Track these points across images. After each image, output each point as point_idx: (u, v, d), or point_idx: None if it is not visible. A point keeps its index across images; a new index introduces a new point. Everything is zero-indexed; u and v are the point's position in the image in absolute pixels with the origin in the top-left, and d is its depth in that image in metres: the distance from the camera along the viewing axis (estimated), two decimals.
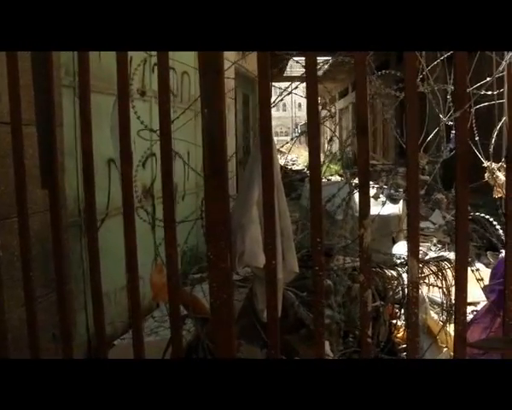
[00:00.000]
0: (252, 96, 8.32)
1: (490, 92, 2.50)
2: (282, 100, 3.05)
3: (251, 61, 3.46)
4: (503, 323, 1.93)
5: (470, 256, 6.28)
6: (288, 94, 2.70)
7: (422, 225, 7.65)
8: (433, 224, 6.41)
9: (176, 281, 2.07)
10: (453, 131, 2.83)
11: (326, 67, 15.87)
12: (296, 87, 2.95)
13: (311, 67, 1.87)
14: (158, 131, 2.04)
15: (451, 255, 6.19)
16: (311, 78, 1.86)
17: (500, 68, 1.83)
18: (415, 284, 1.87)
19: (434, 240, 6.25)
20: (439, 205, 3.57)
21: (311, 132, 1.86)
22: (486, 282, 2.43)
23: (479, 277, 2.58)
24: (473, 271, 2.59)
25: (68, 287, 3.26)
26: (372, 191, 3.32)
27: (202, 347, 2.71)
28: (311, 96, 1.87)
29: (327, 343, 2.64)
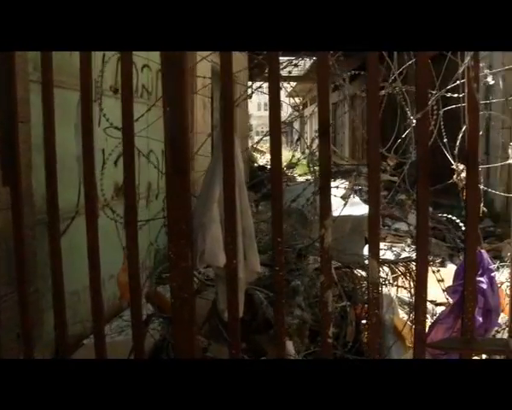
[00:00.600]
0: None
1: (456, 95, 2.52)
2: (248, 98, 3.03)
3: None
4: (462, 324, 1.95)
5: (443, 257, 6.34)
6: (252, 93, 2.69)
7: (397, 225, 7.71)
8: (409, 225, 6.45)
9: (137, 280, 2.05)
10: None
11: (307, 67, 15.93)
12: (259, 86, 2.95)
13: (273, 67, 1.86)
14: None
15: None
16: (273, 78, 1.86)
17: (459, 71, 1.84)
18: (375, 285, 1.88)
19: (408, 240, 6.28)
20: (401, 206, 3.60)
21: (274, 135, 1.85)
22: (450, 283, 2.44)
23: (439, 278, 2.59)
24: (434, 271, 2.61)
25: (34, 286, 3.22)
26: (343, 192, 3.34)
27: (167, 347, 2.69)
28: (274, 97, 1.86)
29: (290, 343, 2.64)
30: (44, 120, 2.07)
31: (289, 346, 2.60)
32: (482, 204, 3.54)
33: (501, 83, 5.84)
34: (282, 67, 3.22)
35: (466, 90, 1.80)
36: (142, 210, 4.88)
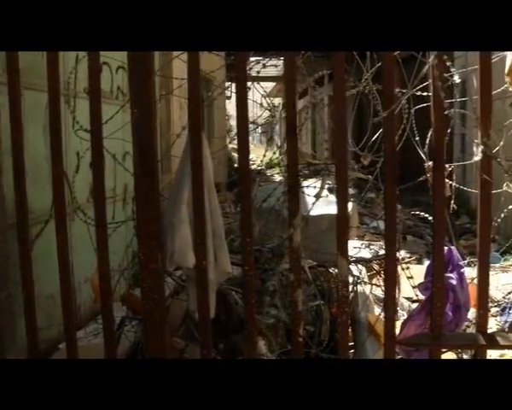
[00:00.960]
0: (205, 95, 8.30)
1: (426, 94, 2.53)
2: (227, 99, 3.04)
3: (204, 61, 3.44)
4: (431, 320, 1.96)
5: (420, 254, 6.39)
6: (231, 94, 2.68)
7: (376, 223, 7.74)
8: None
9: (108, 281, 2.04)
10: None
11: (278, 69, 15.95)
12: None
13: (240, 66, 1.86)
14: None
15: (401, 253, 6.30)
16: (240, 78, 1.85)
17: (424, 70, 1.85)
18: (344, 283, 1.88)
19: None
20: (371, 204, 3.62)
21: (241, 135, 1.85)
22: (420, 280, 2.46)
23: (409, 275, 2.61)
24: (403, 269, 2.62)
25: (8, 291, 3.19)
26: (316, 191, 3.34)
27: (141, 349, 2.68)
28: (241, 97, 1.86)
29: (262, 343, 2.64)
30: (11, 122, 2.05)
31: (261, 345, 2.60)
32: (454, 201, 3.58)
33: (475, 82, 5.88)
34: (254, 66, 3.24)
35: (432, 89, 1.82)
36: (119, 212, 4.85)
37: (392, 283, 1.90)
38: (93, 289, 4.02)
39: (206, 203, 1.93)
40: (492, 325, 3.90)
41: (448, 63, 2.21)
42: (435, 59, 1.74)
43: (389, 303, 1.92)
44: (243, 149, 1.83)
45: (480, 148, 1.85)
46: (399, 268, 2.66)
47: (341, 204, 1.83)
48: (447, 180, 3.40)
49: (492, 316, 3.84)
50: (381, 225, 6.76)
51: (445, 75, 2.30)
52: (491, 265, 5.75)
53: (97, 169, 1.99)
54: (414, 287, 2.54)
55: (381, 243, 6.51)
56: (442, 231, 1.91)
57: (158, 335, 1.97)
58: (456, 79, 2.18)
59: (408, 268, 2.58)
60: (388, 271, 1.90)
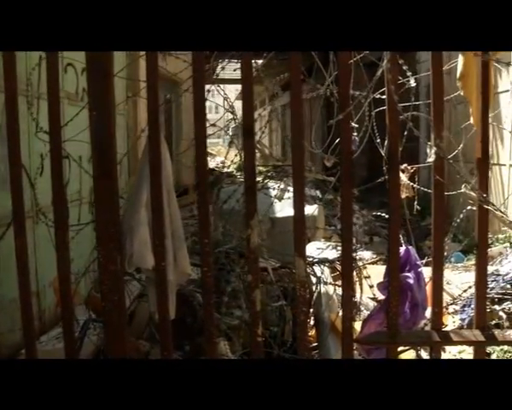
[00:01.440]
0: (175, 98, 8.26)
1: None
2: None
3: (171, 63, 3.43)
4: (387, 318, 2.00)
5: (387, 254, 6.47)
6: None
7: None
8: (354, 224, 6.53)
9: (68, 284, 2.02)
10: (354, 134, 2.91)
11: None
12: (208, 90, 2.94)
13: (197, 66, 1.87)
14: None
15: (368, 255, 6.38)
16: (197, 79, 1.86)
17: (378, 73, 1.89)
18: (302, 283, 1.90)
19: (353, 240, 6.39)
20: (331, 205, 3.68)
21: (198, 137, 1.86)
22: (375, 280, 2.51)
23: (366, 274, 2.66)
24: (360, 268, 2.67)
25: None
26: (282, 192, 3.36)
27: (103, 350, 2.66)
28: (199, 99, 1.87)
29: (223, 344, 2.65)
30: None
31: (222, 346, 2.61)
32: (419, 202, 3.64)
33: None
34: (222, 67, 3.25)
35: (386, 92, 1.86)
36: (85, 215, 4.80)
37: (348, 282, 1.94)
38: (55, 292, 3.98)
39: (166, 205, 1.94)
40: (456, 323, 3.98)
41: (405, 67, 2.26)
42: (388, 63, 1.77)
43: (346, 303, 1.94)
44: (200, 152, 1.84)
45: (434, 149, 1.89)
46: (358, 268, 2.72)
47: (298, 206, 1.86)
48: (408, 181, 3.47)
49: (452, 314, 3.92)
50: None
51: (404, 80, 2.35)
52: (455, 264, 5.87)
53: (56, 171, 1.98)
54: (371, 286, 2.58)
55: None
56: (397, 231, 1.95)
57: (118, 336, 1.97)
58: (412, 82, 2.22)
59: (365, 268, 2.62)
60: (344, 271, 1.93)
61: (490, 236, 6.40)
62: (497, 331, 2.08)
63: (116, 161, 1.92)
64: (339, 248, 4.84)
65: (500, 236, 6.22)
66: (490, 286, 4.02)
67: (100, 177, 1.89)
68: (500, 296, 4.07)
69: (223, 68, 2.75)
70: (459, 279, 4.98)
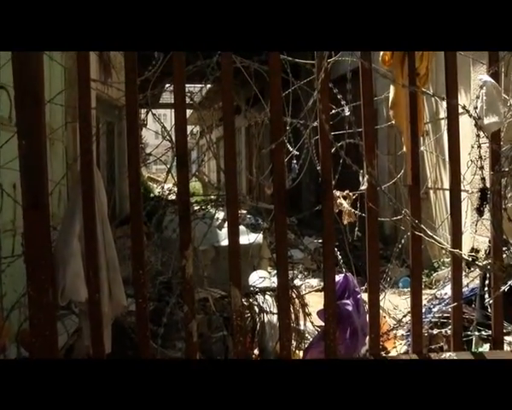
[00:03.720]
0: (117, 123, 8.25)
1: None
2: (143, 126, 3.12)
3: (115, 88, 3.45)
4: (325, 345, 2.06)
5: None
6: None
7: (292, 252, 7.91)
8: (301, 250, 6.65)
9: None
10: (294, 161, 3.00)
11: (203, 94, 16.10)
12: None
13: (130, 88, 1.91)
14: None
15: (315, 282, 6.48)
16: (130, 103, 1.90)
17: (309, 103, 1.98)
18: (238, 313, 1.95)
19: (300, 267, 6.49)
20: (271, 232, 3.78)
21: (131, 164, 1.89)
22: (314, 309, 2.58)
23: (303, 302, 2.73)
24: (297, 296, 2.74)
25: None
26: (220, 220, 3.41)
27: None
28: (131, 127, 1.91)
29: None
30: None
31: None
32: (360, 227, 3.75)
33: (384, 111, 6.24)
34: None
35: (318, 118, 1.94)
36: (20, 246, 4.71)
37: (284, 311, 1.99)
38: None
39: (100, 235, 1.95)
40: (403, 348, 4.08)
41: (339, 96, 2.37)
42: (318, 93, 1.86)
43: (283, 332, 2.00)
44: (133, 180, 1.87)
45: (366, 177, 1.99)
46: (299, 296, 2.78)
47: (232, 236, 1.91)
48: (350, 208, 3.58)
49: (399, 339, 4.02)
50: (297, 254, 6.90)
51: (338, 109, 2.46)
52: (402, 289, 6.02)
53: None
54: (308, 314, 2.65)
55: (296, 271, 6.68)
56: (332, 258, 2.02)
57: None
58: (346, 111, 2.32)
59: (303, 296, 2.69)
60: (280, 300, 1.99)
61: (435, 260, 6.62)
62: (433, 355, 2.18)
63: (47, 190, 1.92)
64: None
65: (446, 259, 6.43)
66: (433, 310, 4.15)
67: (29, 207, 1.88)
68: (444, 320, 4.21)
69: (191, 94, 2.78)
70: (406, 304, 5.11)
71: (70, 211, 2.01)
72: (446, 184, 6.60)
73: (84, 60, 1.93)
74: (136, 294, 1.91)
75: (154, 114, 2.43)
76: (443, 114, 6.10)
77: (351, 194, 3.70)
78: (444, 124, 6.07)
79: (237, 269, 1.93)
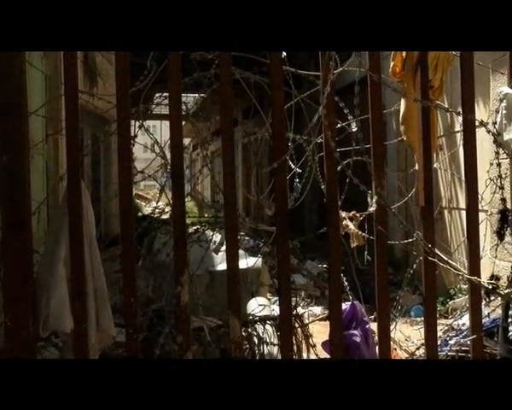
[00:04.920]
0: (103, 136, 8.30)
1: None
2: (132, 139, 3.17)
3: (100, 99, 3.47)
4: None
5: None
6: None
7: (294, 277, 7.92)
8: (304, 275, 6.67)
9: None
10: (296, 180, 3.04)
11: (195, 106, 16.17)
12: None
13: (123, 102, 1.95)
14: None
15: (319, 310, 6.49)
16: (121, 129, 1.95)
17: (314, 119, 2.03)
18: (237, 345, 1.98)
19: (303, 294, 6.50)
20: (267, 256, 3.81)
21: (122, 182, 1.93)
22: (324, 337, 2.60)
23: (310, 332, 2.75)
24: (300, 326, 2.76)
25: None
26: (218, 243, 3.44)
27: None
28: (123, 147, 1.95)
29: None
30: None
31: None
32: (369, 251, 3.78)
33: (394, 124, 6.31)
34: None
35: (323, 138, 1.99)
36: None
37: (287, 341, 2.02)
38: None
39: (87, 261, 1.98)
40: None
41: (345, 110, 2.42)
42: (324, 109, 1.91)
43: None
44: (124, 201, 1.91)
45: (375, 198, 2.03)
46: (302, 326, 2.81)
47: (231, 261, 1.95)
48: (357, 230, 3.62)
49: None
50: (299, 279, 6.92)
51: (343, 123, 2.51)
52: (414, 318, 6.03)
53: None
54: (313, 346, 2.68)
55: (297, 298, 6.67)
56: (338, 284, 2.05)
57: None
58: (353, 127, 2.37)
59: (307, 326, 2.72)
60: (282, 329, 2.02)
61: (451, 287, 6.62)
62: None
63: (30, 211, 1.94)
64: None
65: (463, 286, 6.43)
66: (450, 342, 4.16)
67: (9, 229, 1.89)
68: (462, 354, 4.20)
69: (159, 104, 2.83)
70: (420, 335, 5.10)
71: (54, 232, 2.04)
72: (462, 204, 6.63)
73: (71, 67, 1.97)
74: (126, 324, 1.94)
75: (146, 129, 2.46)
76: (458, 126, 6.15)
77: (357, 215, 3.75)
78: (459, 137, 6.13)
79: (236, 296, 1.96)
